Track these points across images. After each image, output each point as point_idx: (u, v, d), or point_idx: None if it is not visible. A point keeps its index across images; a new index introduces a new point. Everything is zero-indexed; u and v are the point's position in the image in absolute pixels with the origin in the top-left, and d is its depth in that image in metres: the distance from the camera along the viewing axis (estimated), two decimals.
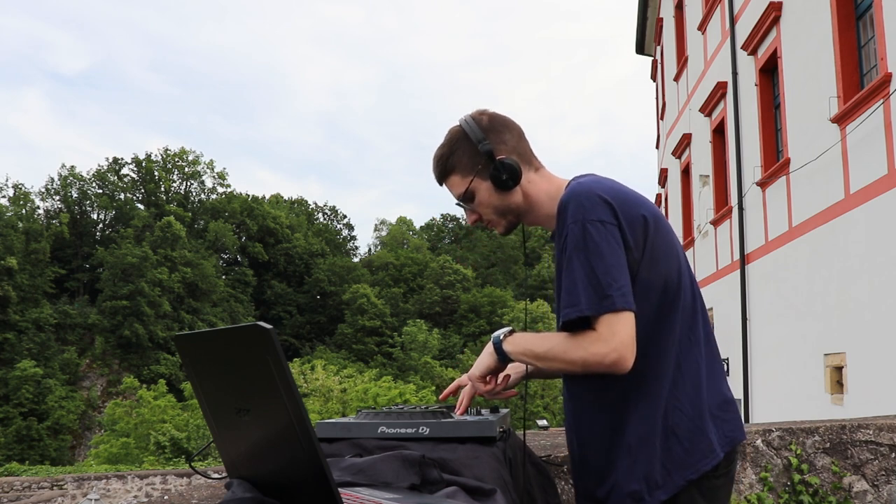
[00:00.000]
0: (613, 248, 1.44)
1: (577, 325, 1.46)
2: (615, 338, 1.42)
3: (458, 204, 1.71)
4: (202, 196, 60.60)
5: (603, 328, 1.42)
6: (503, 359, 1.62)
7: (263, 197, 63.37)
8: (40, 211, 52.86)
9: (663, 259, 1.52)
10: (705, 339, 1.60)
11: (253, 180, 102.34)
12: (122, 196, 56.32)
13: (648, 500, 1.50)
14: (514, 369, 1.77)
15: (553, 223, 1.62)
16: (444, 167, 1.67)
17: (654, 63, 21.04)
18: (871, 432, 3.63)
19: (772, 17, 10.03)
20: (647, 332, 1.50)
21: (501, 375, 1.72)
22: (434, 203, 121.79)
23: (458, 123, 1.69)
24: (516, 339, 1.60)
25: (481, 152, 1.62)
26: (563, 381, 1.69)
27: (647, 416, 1.51)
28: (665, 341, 1.52)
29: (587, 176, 1.62)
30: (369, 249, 72.97)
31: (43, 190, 54.06)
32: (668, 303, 1.53)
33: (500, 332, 1.64)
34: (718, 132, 13.09)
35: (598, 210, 1.46)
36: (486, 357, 1.65)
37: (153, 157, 58.19)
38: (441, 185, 1.71)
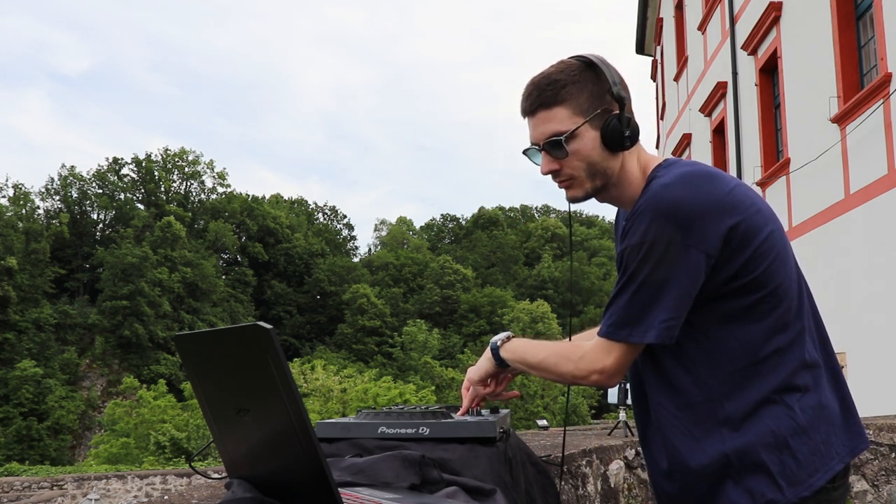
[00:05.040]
0: (683, 274, 1.28)
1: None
2: (609, 358, 1.36)
3: (534, 145, 1.40)
4: (202, 196, 60.56)
5: (604, 347, 1.37)
6: (501, 364, 1.61)
7: (263, 197, 63.35)
8: (40, 211, 52.84)
9: (776, 262, 1.35)
10: (821, 341, 1.44)
11: (253, 180, 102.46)
12: (122, 196, 56.26)
13: None
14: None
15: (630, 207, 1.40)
16: (555, 94, 1.35)
17: (654, 63, 21.03)
18: (870, 432, 3.62)
19: (772, 17, 10.03)
20: (769, 338, 1.35)
21: (501, 378, 1.72)
22: (434, 203, 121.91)
23: (578, 56, 1.39)
24: (513, 346, 1.59)
25: (612, 95, 1.35)
26: (640, 395, 1.52)
27: (757, 427, 1.36)
28: (784, 347, 1.36)
29: (680, 162, 1.38)
30: (369, 249, 72.97)
31: (43, 190, 54.03)
32: (790, 308, 1.37)
33: (498, 339, 1.63)
34: (718, 132, 13.09)
35: (685, 227, 1.26)
36: (485, 362, 1.65)
37: (153, 158, 58.17)
38: (531, 114, 1.39)
